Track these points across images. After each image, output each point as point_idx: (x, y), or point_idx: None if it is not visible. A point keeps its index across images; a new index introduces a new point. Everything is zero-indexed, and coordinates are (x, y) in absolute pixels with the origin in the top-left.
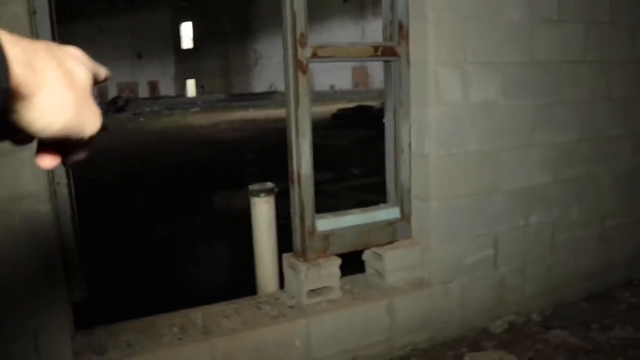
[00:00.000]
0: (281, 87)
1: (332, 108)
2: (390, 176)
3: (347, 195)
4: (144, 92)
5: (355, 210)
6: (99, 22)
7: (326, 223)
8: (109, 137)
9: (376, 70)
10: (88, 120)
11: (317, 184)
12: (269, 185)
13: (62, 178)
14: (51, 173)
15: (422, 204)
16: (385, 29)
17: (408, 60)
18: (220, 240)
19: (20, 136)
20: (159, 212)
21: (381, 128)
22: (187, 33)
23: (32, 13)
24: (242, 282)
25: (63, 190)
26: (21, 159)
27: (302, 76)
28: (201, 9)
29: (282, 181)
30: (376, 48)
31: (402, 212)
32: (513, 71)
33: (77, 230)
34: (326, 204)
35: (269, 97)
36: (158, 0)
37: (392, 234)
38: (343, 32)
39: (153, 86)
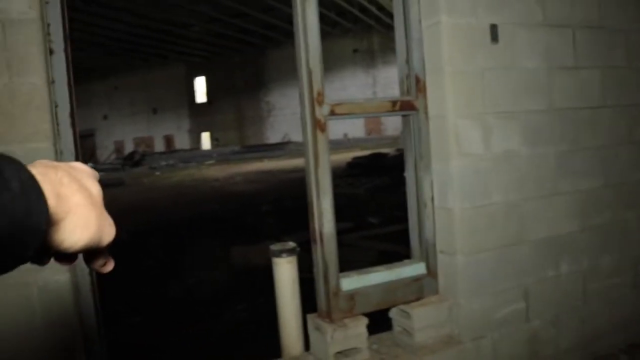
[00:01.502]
0: (294, 137)
1: (347, 156)
2: (414, 231)
3: (367, 245)
4: (159, 146)
5: (379, 267)
6: (114, 79)
7: (351, 282)
8: (124, 192)
9: (388, 117)
10: (106, 231)
11: (337, 234)
12: (291, 244)
13: None
14: None
15: (448, 259)
16: (401, 82)
17: (426, 113)
18: (239, 296)
19: (45, 257)
20: (175, 267)
21: (396, 175)
22: (200, 87)
23: (51, 82)
24: (264, 341)
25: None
26: None
27: (320, 134)
28: (214, 64)
29: (299, 232)
30: (394, 102)
31: (428, 267)
32: (533, 119)
33: (96, 299)
34: (347, 255)
35: (282, 147)
36: (172, 58)
37: (418, 290)
38: (354, 81)
39: (168, 140)
